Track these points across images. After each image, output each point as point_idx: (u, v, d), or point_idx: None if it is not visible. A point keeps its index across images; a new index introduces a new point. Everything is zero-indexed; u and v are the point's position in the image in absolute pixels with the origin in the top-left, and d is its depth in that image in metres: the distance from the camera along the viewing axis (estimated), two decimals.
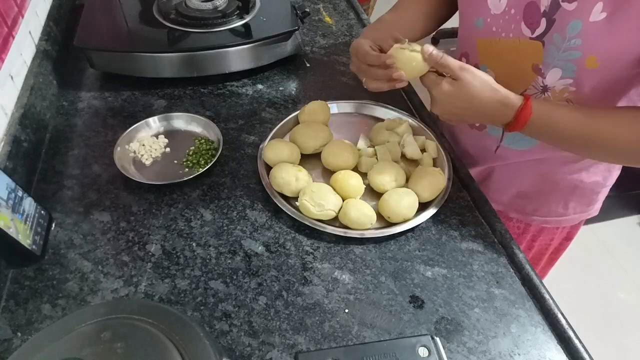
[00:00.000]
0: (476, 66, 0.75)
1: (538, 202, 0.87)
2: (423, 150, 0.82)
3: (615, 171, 0.86)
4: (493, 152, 0.84)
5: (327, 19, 1.20)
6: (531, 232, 0.93)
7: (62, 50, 1.01)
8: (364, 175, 0.77)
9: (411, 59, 0.65)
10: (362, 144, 0.83)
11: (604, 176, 0.84)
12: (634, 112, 0.62)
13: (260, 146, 0.81)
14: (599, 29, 0.58)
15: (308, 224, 0.70)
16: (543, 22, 0.63)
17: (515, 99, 0.63)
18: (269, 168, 0.77)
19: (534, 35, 0.65)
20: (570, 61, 0.63)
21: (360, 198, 0.74)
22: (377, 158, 0.80)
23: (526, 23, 0.65)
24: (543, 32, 0.64)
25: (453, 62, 0.63)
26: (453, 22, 0.86)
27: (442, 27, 0.87)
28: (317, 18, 1.20)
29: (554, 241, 0.96)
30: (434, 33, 0.87)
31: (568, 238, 0.98)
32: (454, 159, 0.82)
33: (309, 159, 0.81)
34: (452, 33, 2.74)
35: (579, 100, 0.67)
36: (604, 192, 0.88)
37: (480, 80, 0.63)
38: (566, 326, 0.61)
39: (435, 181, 0.74)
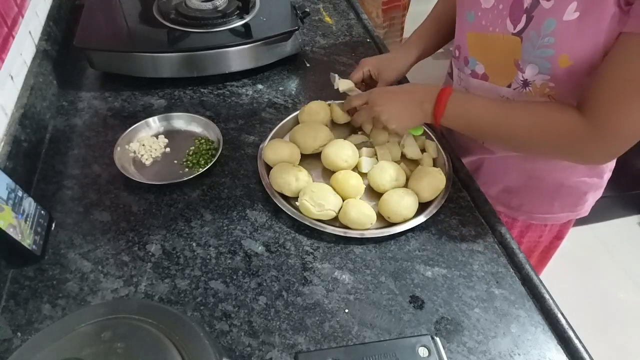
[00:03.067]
0: (466, 59, 0.79)
1: (523, 197, 0.88)
2: (423, 150, 0.83)
3: (605, 173, 0.86)
4: (481, 144, 0.85)
5: (327, 19, 1.20)
6: (518, 228, 0.94)
7: (62, 50, 1.01)
8: (364, 175, 0.77)
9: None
10: (361, 143, 0.83)
11: (590, 176, 0.84)
12: (547, 106, 0.66)
13: (260, 146, 0.81)
14: (572, 28, 0.59)
15: (308, 224, 0.70)
16: (523, 18, 0.65)
17: (433, 84, 0.73)
18: (269, 168, 0.77)
19: (515, 31, 0.67)
20: (545, 58, 0.64)
21: (360, 198, 0.74)
22: (377, 158, 0.80)
23: (510, 19, 0.67)
24: (522, 28, 0.65)
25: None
26: None
27: None
28: (317, 18, 1.20)
29: (543, 239, 0.96)
30: None
31: (559, 237, 0.98)
32: (454, 159, 0.82)
33: (309, 159, 0.81)
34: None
35: (560, 97, 0.68)
36: (595, 193, 0.88)
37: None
38: (566, 326, 0.61)
39: (435, 181, 0.74)
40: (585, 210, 0.91)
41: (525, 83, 0.70)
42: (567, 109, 0.64)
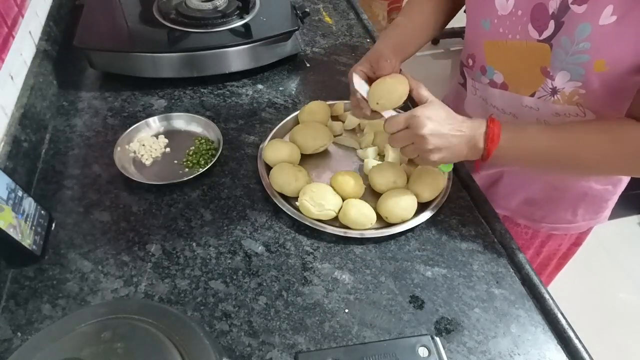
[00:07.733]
0: (483, 68, 0.75)
1: (547, 208, 0.86)
2: None
3: (626, 178, 0.84)
4: None
5: (327, 19, 1.20)
6: (540, 238, 0.92)
7: (62, 50, 1.01)
8: (364, 175, 0.77)
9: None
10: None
11: (613, 183, 0.82)
12: (616, 123, 0.63)
13: (260, 146, 0.81)
14: (609, 32, 0.57)
15: (308, 224, 0.70)
16: (551, 24, 0.62)
17: (478, 119, 0.65)
18: (269, 168, 0.77)
19: (541, 38, 0.64)
20: (579, 65, 0.62)
21: (360, 198, 0.74)
22: (381, 158, 0.80)
23: (533, 25, 0.64)
24: (551, 34, 0.63)
25: (427, 92, 0.68)
26: (453, 22, 0.86)
27: None
28: (317, 18, 1.20)
29: (562, 246, 0.95)
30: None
31: (576, 244, 0.96)
32: None
33: (309, 159, 0.81)
34: (452, 33, 2.73)
35: (589, 104, 0.66)
36: (614, 199, 0.87)
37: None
38: (566, 326, 0.61)
39: (435, 181, 0.74)
40: (605, 216, 0.89)
41: (554, 91, 0.67)
42: (638, 123, 0.61)
